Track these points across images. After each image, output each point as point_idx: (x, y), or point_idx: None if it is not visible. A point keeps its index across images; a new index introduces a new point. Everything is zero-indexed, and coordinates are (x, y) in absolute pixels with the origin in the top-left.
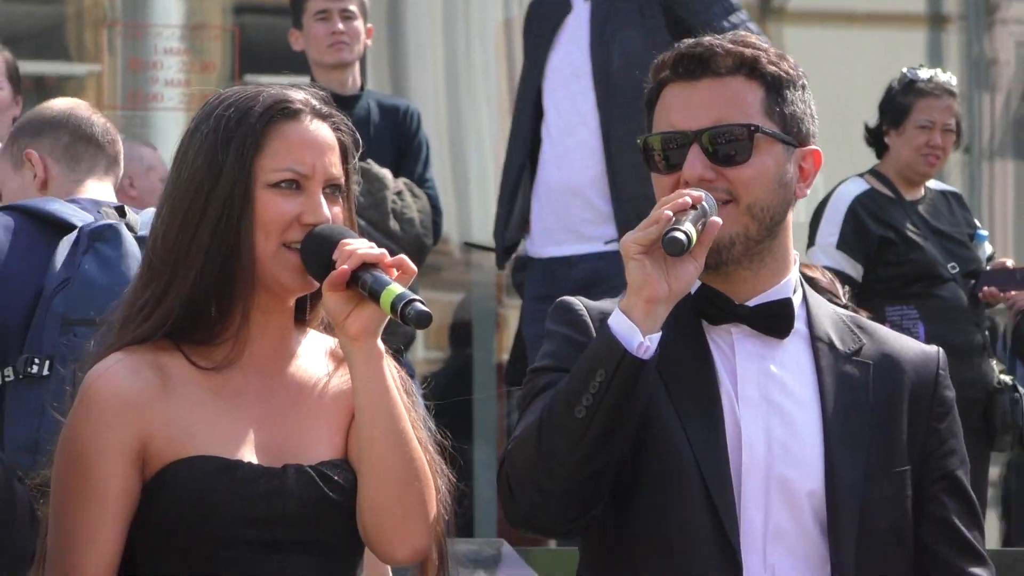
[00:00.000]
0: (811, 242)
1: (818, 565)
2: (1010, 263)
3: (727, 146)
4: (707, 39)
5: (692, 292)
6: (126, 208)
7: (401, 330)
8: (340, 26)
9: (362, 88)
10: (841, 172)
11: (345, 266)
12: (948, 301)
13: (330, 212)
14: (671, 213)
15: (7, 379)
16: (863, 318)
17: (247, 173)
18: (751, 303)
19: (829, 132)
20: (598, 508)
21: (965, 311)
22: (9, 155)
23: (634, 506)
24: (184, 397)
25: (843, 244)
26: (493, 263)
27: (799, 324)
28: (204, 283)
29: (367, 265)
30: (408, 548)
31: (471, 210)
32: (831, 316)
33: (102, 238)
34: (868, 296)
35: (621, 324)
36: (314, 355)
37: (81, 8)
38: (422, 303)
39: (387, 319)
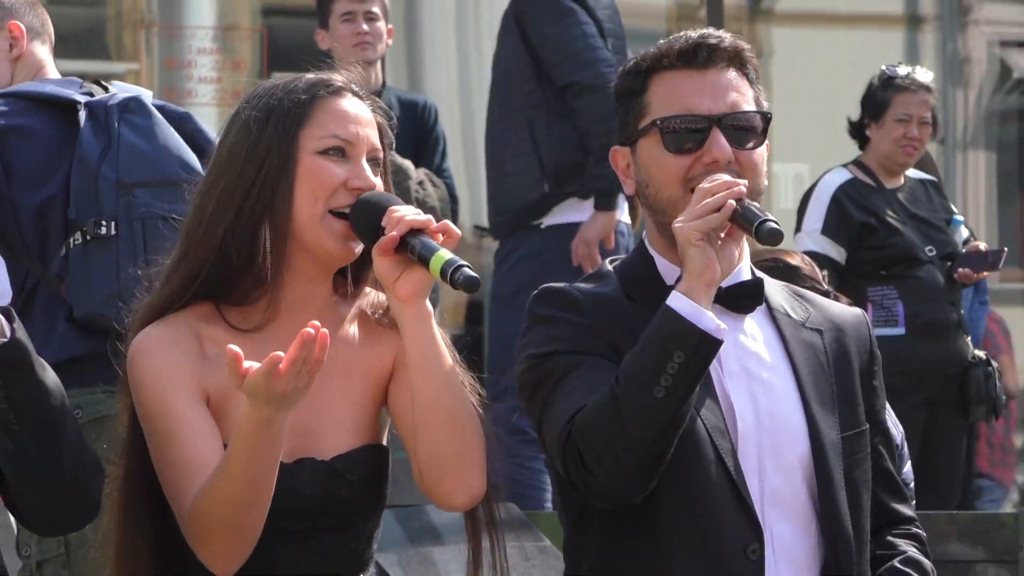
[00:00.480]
0: (798, 228)
1: (808, 523)
2: (983, 246)
3: (742, 132)
4: (705, 31)
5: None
6: (101, 81)
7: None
8: (364, 27)
9: (383, 85)
10: (825, 162)
11: (395, 232)
12: (925, 282)
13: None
14: (734, 203)
15: (76, 242)
16: (801, 288)
17: (290, 140)
18: (725, 284)
19: (814, 125)
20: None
21: (941, 291)
22: None
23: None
24: (221, 372)
25: (827, 230)
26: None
27: None
28: (235, 236)
29: (415, 231)
30: (466, 493)
31: (482, 197)
32: (779, 289)
33: (129, 109)
34: (851, 278)
35: (688, 307)
36: (351, 329)
37: (121, 10)
38: (470, 268)
39: (434, 282)
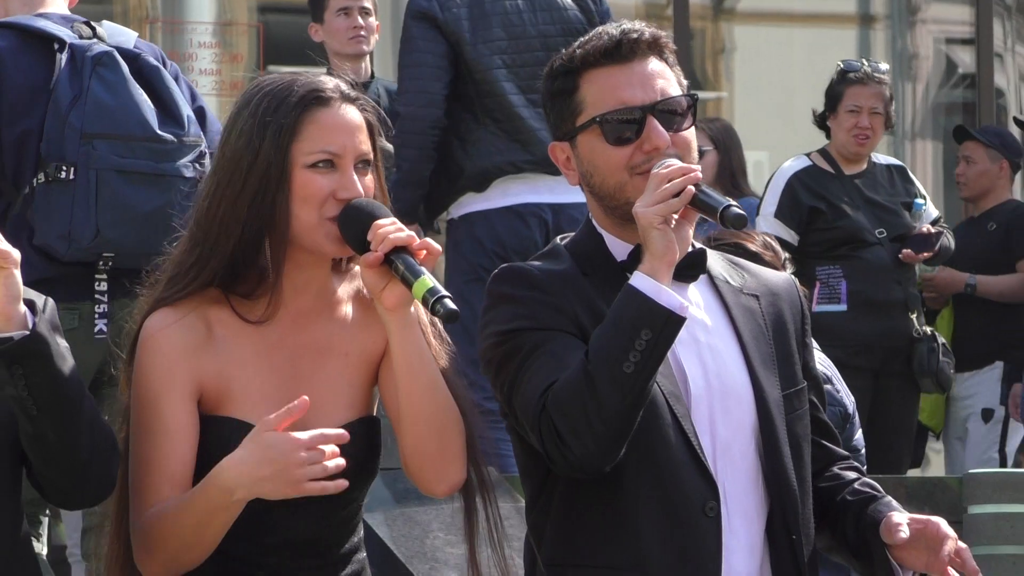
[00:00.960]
0: (758, 212)
1: (755, 477)
2: (926, 229)
3: (674, 115)
4: (621, 26)
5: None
6: (92, 23)
7: None
8: (360, 21)
9: (372, 76)
10: (782, 150)
11: (379, 252)
12: (870, 262)
13: (363, 184)
14: (693, 188)
15: (39, 181)
16: (736, 257)
17: (283, 155)
18: None
19: (772, 116)
20: None
21: (887, 271)
22: None
23: None
24: (228, 352)
25: (780, 213)
26: None
27: None
28: (243, 248)
29: (398, 248)
30: (445, 484)
31: None
32: (718, 259)
33: (102, 63)
34: (801, 258)
35: (652, 287)
36: (348, 310)
37: (127, 7)
38: (451, 299)
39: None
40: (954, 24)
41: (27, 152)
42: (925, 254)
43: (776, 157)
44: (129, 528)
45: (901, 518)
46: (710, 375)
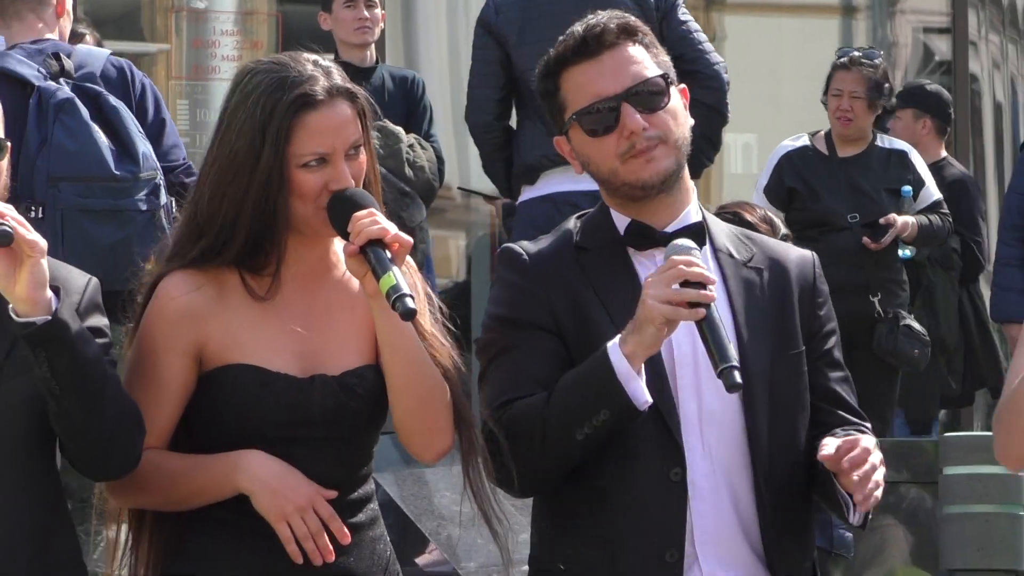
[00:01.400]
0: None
1: (740, 437)
2: (892, 217)
3: (650, 97)
4: (589, 21)
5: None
6: (61, 55)
7: (420, 247)
8: (365, 13)
9: (377, 61)
10: (770, 133)
11: (354, 245)
12: (837, 246)
13: (355, 167)
14: (704, 311)
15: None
16: (751, 232)
17: (281, 159)
18: (669, 228)
19: (760, 101)
20: None
21: (851, 254)
22: None
23: None
24: (237, 311)
25: (768, 190)
26: (487, 205)
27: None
28: (251, 239)
29: (373, 241)
30: (432, 452)
31: (470, 162)
32: (726, 232)
33: (63, 110)
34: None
35: (625, 372)
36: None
37: None
38: (411, 298)
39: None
40: (931, 14)
41: None
42: (883, 242)
43: (764, 139)
44: None
45: (831, 440)
46: (697, 340)
